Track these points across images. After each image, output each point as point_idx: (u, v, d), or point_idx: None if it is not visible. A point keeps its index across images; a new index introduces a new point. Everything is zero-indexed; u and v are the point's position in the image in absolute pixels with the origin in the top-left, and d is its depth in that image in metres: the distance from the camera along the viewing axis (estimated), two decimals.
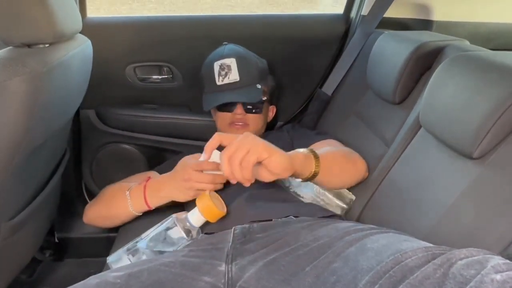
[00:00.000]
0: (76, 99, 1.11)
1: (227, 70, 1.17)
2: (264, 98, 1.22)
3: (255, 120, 1.22)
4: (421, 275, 0.52)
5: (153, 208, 1.04)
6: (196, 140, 1.43)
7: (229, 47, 1.24)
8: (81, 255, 1.52)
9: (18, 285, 1.36)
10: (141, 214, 1.07)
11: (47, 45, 0.90)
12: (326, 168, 0.86)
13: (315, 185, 0.98)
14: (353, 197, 1.02)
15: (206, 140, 1.41)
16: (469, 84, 0.79)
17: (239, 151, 0.73)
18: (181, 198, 1.00)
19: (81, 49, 1.03)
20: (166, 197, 1.02)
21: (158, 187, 1.03)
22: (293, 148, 1.09)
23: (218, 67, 1.18)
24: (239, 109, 1.19)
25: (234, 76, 1.17)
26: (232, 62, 1.18)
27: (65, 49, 0.94)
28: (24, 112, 0.81)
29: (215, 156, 0.89)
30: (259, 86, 1.19)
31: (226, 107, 1.19)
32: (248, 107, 1.20)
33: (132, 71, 1.43)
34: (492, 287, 0.45)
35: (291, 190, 1.00)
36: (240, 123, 1.19)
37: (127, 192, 1.05)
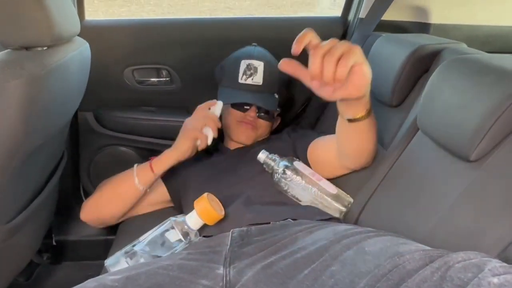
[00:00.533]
0: (74, 101, 1.11)
1: (253, 71, 1.18)
2: (278, 109, 1.24)
3: (264, 126, 1.23)
4: (418, 278, 0.52)
5: (157, 173, 1.07)
6: None
7: (258, 49, 1.25)
8: (79, 258, 1.52)
9: None
10: (145, 189, 1.08)
11: (45, 48, 0.90)
12: (370, 120, 0.84)
13: (313, 188, 0.99)
14: (351, 200, 1.02)
15: None
16: (466, 87, 0.80)
17: (338, 48, 0.65)
18: (184, 146, 1.05)
19: (79, 52, 1.03)
20: (171, 157, 1.07)
21: (162, 155, 1.09)
22: (294, 151, 1.09)
23: (246, 66, 1.19)
24: (252, 112, 1.19)
25: (258, 79, 1.18)
26: (260, 65, 1.19)
27: (63, 51, 0.94)
28: (22, 115, 0.81)
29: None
30: (276, 95, 1.21)
31: (240, 106, 1.20)
32: (261, 112, 1.21)
33: (130, 73, 1.43)
34: None
35: (289, 193, 1.00)
36: (250, 124, 1.20)
37: (135, 165, 1.09)
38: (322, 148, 1.07)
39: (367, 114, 0.81)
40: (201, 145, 1.06)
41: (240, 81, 1.19)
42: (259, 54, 1.22)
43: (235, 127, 1.21)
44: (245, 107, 1.20)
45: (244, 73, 1.19)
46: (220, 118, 1.22)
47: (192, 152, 1.07)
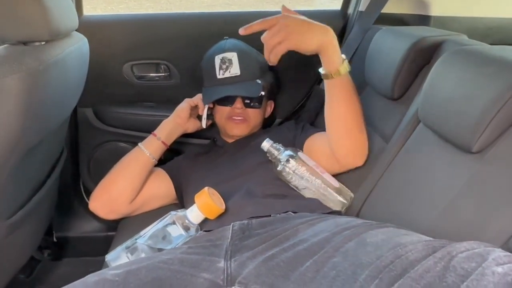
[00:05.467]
0: (73, 97, 1.11)
1: (228, 64, 1.17)
2: (263, 93, 1.22)
3: (254, 115, 1.22)
4: (421, 269, 0.51)
5: (159, 137, 1.16)
6: (194, 138, 1.43)
7: (230, 41, 1.24)
8: (80, 254, 1.52)
9: (17, 285, 1.36)
10: (151, 155, 1.14)
11: (43, 43, 0.89)
12: (347, 88, 0.94)
13: (317, 179, 0.98)
14: (352, 195, 1.01)
15: (204, 138, 1.42)
16: (467, 78, 0.79)
17: (274, 38, 0.86)
18: (180, 108, 1.20)
19: (77, 47, 1.02)
20: (168, 120, 1.19)
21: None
22: (292, 144, 1.09)
23: (219, 60, 1.18)
24: (238, 103, 1.18)
25: (235, 70, 1.17)
26: (233, 56, 1.18)
27: (61, 47, 0.94)
28: (20, 111, 0.80)
29: None
30: (259, 81, 1.19)
31: (226, 101, 1.19)
32: (248, 101, 1.20)
33: (129, 69, 1.42)
34: (493, 279, 0.45)
35: (291, 183, 1.00)
36: (239, 118, 1.19)
37: (139, 143, 1.17)
38: (319, 142, 1.07)
39: (344, 69, 0.91)
40: (200, 109, 1.20)
41: (218, 76, 1.18)
42: (231, 46, 1.21)
43: (226, 124, 1.20)
44: (231, 101, 1.19)
45: (220, 67, 1.18)
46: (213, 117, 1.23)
47: (188, 116, 1.19)
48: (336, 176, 1.03)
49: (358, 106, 0.96)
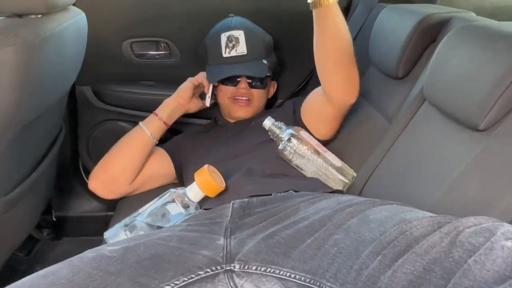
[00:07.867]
0: (70, 73, 1.08)
1: (234, 43, 1.14)
2: (269, 74, 1.20)
3: (259, 96, 1.20)
4: (426, 244, 0.50)
5: (161, 117, 1.13)
6: (194, 118, 1.41)
7: (236, 19, 1.21)
8: (79, 234, 1.52)
9: (16, 263, 1.36)
10: (152, 135, 1.11)
11: (39, 16, 0.87)
12: (336, 18, 0.89)
13: (318, 158, 0.97)
14: (355, 174, 1.00)
15: (204, 118, 1.40)
16: (475, 54, 0.77)
17: None
18: (183, 87, 1.16)
19: (74, 21, 1.00)
20: (170, 99, 1.16)
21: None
22: (296, 123, 1.07)
23: (226, 38, 1.15)
24: (243, 83, 1.16)
25: (241, 49, 1.14)
26: (240, 34, 1.15)
27: (57, 20, 0.91)
28: (16, 85, 0.79)
29: None
30: (265, 61, 1.17)
31: (230, 80, 1.17)
32: (252, 82, 1.18)
33: (128, 47, 1.39)
34: (503, 254, 0.43)
35: (293, 162, 0.98)
36: (244, 98, 1.17)
37: (140, 123, 1.14)
38: (312, 96, 1.07)
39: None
40: (205, 87, 1.18)
41: (224, 55, 1.15)
42: (238, 24, 1.18)
43: (230, 104, 1.18)
44: (235, 81, 1.17)
45: (226, 46, 1.15)
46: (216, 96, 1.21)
47: (191, 95, 1.16)
48: (338, 154, 1.02)
49: (348, 38, 0.92)
